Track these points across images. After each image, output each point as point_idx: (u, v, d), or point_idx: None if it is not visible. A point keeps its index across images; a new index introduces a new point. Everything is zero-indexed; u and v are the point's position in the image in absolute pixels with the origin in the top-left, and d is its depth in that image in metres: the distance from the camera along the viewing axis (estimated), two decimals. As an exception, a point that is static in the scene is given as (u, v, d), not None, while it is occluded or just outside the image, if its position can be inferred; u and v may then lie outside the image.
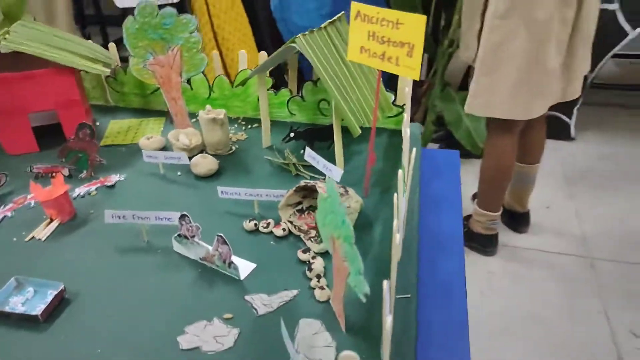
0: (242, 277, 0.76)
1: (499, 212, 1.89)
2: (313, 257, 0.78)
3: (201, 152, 1.11)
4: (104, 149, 1.14)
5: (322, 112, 1.22)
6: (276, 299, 0.72)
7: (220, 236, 0.74)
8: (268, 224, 0.86)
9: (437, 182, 1.08)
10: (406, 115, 0.98)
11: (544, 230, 2.09)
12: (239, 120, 1.27)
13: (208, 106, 1.09)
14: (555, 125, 2.69)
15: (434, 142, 2.65)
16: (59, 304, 0.72)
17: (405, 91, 1.11)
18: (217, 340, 0.65)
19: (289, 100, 1.23)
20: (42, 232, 0.87)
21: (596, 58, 2.43)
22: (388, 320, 0.51)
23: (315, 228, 0.85)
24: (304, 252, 0.80)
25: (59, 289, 0.72)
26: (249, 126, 1.24)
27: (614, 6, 2.35)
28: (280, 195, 0.88)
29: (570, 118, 2.72)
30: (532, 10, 1.39)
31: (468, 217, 2.00)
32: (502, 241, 2.00)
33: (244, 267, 0.78)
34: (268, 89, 1.19)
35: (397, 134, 1.16)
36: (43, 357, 0.65)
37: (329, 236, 0.63)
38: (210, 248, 0.77)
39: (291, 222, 0.87)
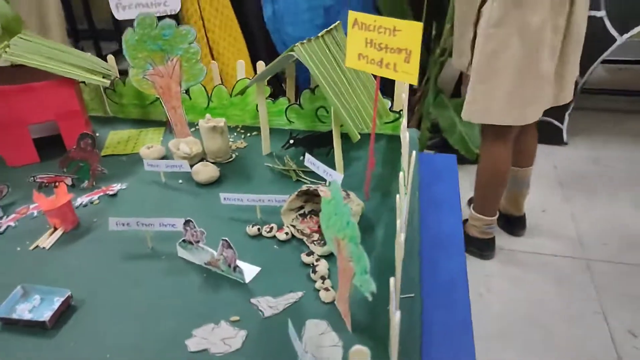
0: (247, 281, 0.77)
1: (495, 217, 1.91)
2: (317, 260, 0.80)
3: (201, 160, 1.12)
4: (104, 159, 1.15)
5: (320, 120, 1.24)
6: (282, 301, 0.73)
7: (225, 240, 0.75)
8: (271, 229, 0.87)
9: (436, 185, 1.10)
10: (404, 119, 1.00)
11: (540, 234, 2.11)
12: (238, 129, 1.29)
13: (208, 115, 1.10)
14: (548, 131, 2.73)
15: (428, 149, 2.68)
16: (65, 311, 0.72)
17: (402, 97, 1.13)
18: (225, 342, 0.66)
19: (287, 108, 1.24)
20: (46, 240, 0.87)
21: (586, 64, 2.49)
22: (396, 316, 0.52)
23: (318, 231, 0.86)
24: (308, 255, 0.81)
25: (66, 296, 0.73)
26: (248, 134, 1.26)
27: (601, 13, 2.41)
28: (282, 200, 0.89)
29: (562, 123, 2.76)
30: (526, 18, 1.42)
31: (464, 222, 2.02)
32: (499, 245, 2.02)
33: (249, 270, 0.79)
34: (266, 98, 1.21)
35: (394, 139, 1.18)
36: (52, 364, 0.65)
37: (333, 238, 0.65)
38: (215, 253, 0.78)
39: (294, 227, 0.88)
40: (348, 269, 0.63)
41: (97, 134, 1.28)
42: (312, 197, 0.91)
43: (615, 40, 2.43)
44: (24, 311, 0.72)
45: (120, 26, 4.08)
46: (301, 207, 0.92)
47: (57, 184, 1.02)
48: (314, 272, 0.77)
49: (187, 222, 0.79)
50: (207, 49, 2.03)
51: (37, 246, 0.87)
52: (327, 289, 0.74)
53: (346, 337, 0.67)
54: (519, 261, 1.98)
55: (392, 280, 0.55)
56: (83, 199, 1.00)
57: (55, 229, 0.90)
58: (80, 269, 0.82)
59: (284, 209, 0.89)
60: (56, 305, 0.71)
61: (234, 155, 1.15)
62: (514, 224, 2.10)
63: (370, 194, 0.98)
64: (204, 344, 0.66)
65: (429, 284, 0.81)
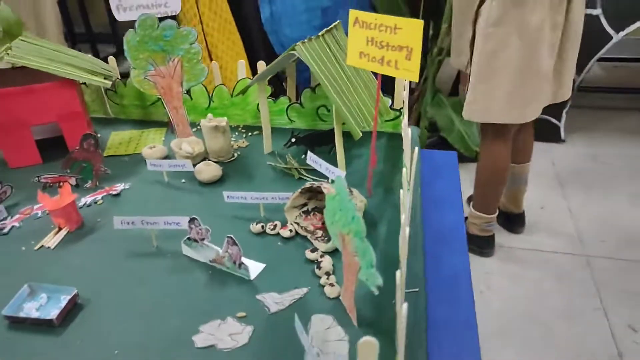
0: (252, 277, 0.78)
1: (495, 215, 1.92)
2: (321, 256, 0.80)
3: (204, 159, 1.12)
4: (107, 160, 1.15)
5: (320, 118, 1.25)
6: (287, 296, 0.74)
7: (230, 237, 0.75)
8: (275, 226, 0.88)
9: (437, 181, 1.11)
10: (405, 116, 1.00)
11: (539, 230, 2.12)
12: (239, 128, 1.29)
13: (210, 114, 1.11)
14: (545, 128, 2.75)
15: (427, 148, 2.68)
16: (72, 309, 0.73)
17: (402, 94, 1.14)
18: (232, 338, 0.67)
19: (288, 107, 1.25)
20: (51, 240, 0.88)
21: (582, 62, 2.50)
22: (404, 308, 0.52)
23: (322, 228, 0.87)
24: (312, 251, 0.81)
25: (72, 294, 0.73)
26: (249, 134, 1.26)
27: (597, 11, 2.42)
28: (286, 197, 0.90)
29: (559, 121, 2.78)
30: (525, 17, 1.43)
31: (464, 219, 2.02)
32: (498, 242, 2.03)
33: (254, 267, 0.79)
34: (267, 97, 1.22)
35: (395, 137, 1.19)
36: (60, 361, 0.66)
37: (338, 233, 0.65)
38: (220, 250, 0.78)
39: (297, 224, 0.88)
40: (353, 264, 0.63)
41: (99, 135, 1.29)
42: (315, 194, 0.91)
43: (612, 38, 2.45)
44: (31, 309, 0.72)
45: (117, 29, 4.10)
46: (304, 205, 0.92)
47: (61, 184, 1.02)
48: (319, 268, 0.77)
49: (191, 220, 0.79)
50: (206, 52, 2.04)
51: (42, 246, 0.87)
52: (332, 285, 0.74)
53: (352, 331, 0.67)
54: (519, 258, 1.99)
55: (398, 273, 0.56)
56: (87, 199, 1.00)
57: (60, 229, 0.90)
58: (85, 268, 0.82)
59: (288, 206, 0.89)
60: (63, 303, 0.72)
61: (236, 155, 1.16)
62: (513, 221, 2.12)
63: (372, 190, 0.98)
64: (211, 340, 0.67)
65: (432, 279, 0.81)
